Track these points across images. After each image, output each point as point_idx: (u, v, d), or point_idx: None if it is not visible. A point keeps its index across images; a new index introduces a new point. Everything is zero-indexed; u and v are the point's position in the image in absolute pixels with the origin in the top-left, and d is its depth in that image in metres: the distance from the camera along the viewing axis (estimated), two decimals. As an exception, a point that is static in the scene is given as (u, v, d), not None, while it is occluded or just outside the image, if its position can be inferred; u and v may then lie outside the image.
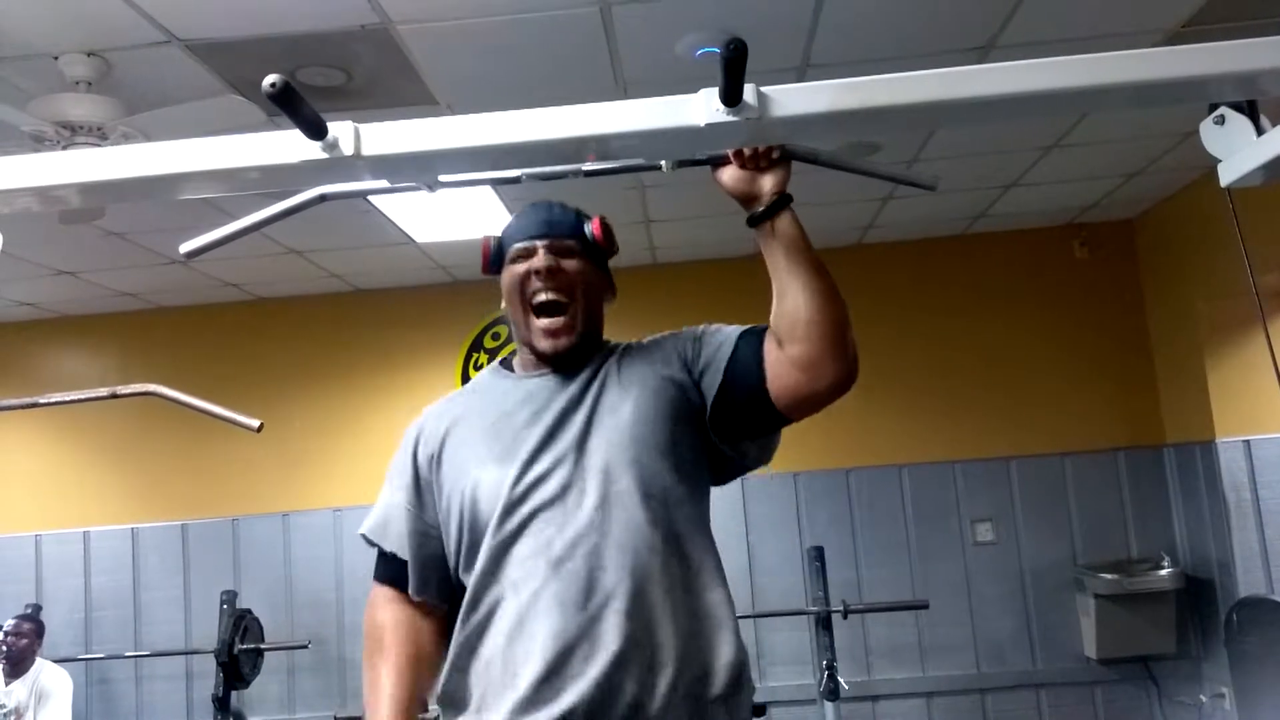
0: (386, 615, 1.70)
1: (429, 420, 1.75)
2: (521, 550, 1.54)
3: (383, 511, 1.74)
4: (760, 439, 1.70)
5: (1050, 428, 5.43)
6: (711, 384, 1.64)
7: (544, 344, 1.66)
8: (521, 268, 1.69)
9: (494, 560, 1.56)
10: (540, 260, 1.67)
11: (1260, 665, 4.35)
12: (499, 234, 1.78)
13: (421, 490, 1.70)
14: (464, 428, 1.69)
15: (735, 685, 1.55)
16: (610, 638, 1.47)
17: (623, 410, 1.61)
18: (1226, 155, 1.61)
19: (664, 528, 1.56)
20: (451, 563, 1.66)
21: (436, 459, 1.69)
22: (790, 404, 1.60)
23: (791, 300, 1.59)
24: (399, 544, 1.69)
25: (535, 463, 1.58)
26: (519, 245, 1.71)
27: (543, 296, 1.65)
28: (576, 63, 3.11)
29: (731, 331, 1.69)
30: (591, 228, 1.73)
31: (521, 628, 1.51)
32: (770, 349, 1.61)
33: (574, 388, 1.66)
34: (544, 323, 1.66)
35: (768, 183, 1.63)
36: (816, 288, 1.60)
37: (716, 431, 1.65)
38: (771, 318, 1.63)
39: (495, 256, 1.76)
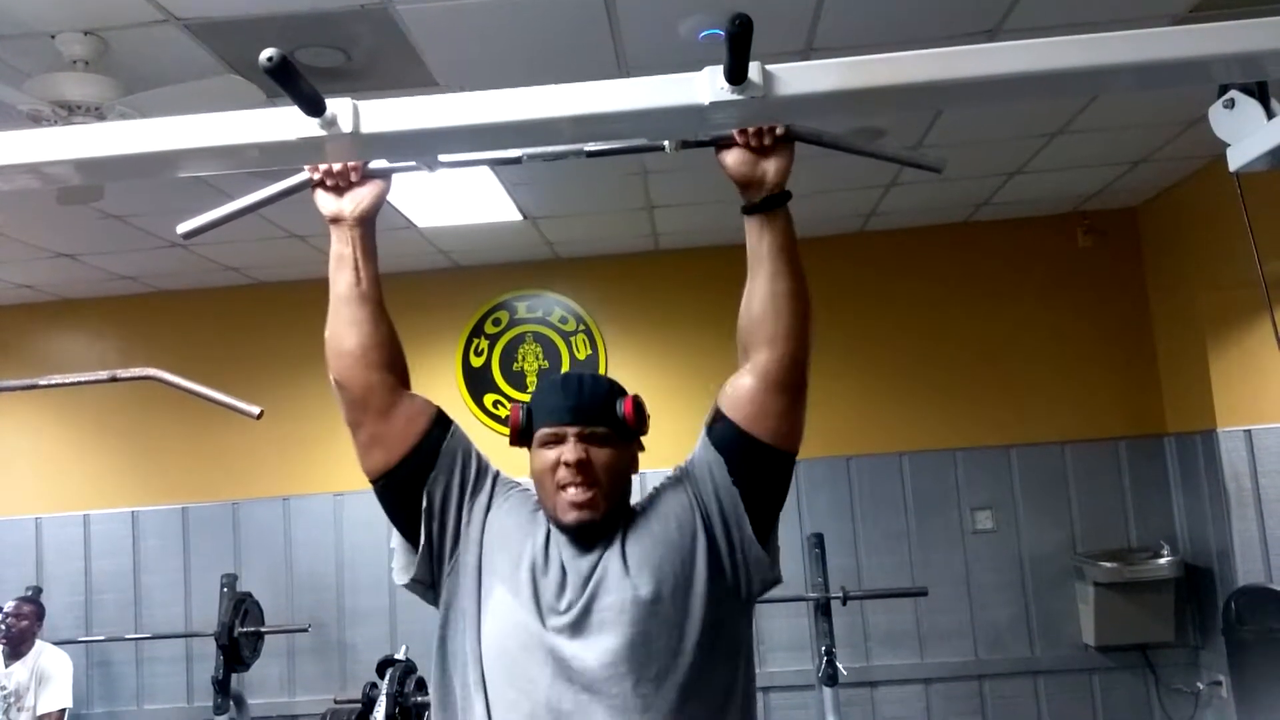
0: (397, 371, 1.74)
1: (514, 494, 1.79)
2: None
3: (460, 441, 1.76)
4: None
5: (1051, 416, 5.42)
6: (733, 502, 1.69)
7: (569, 516, 1.65)
8: (552, 455, 1.67)
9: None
10: (570, 452, 1.65)
11: (1258, 654, 4.36)
12: (528, 404, 1.76)
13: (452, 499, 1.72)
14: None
15: None
16: None
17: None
18: (1235, 140, 1.60)
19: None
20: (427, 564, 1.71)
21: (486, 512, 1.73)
22: (772, 423, 1.67)
23: (760, 299, 1.72)
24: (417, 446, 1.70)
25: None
26: (549, 430, 1.69)
27: (572, 491, 1.64)
28: (578, 45, 3.09)
29: (700, 453, 1.74)
30: (623, 408, 1.71)
31: None
32: (728, 403, 1.69)
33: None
34: (570, 495, 1.64)
35: (771, 170, 1.67)
36: (793, 290, 1.72)
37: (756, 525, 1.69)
38: (741, 309, 1.74)
39: (524, 428, 1.73)
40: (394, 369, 1.70)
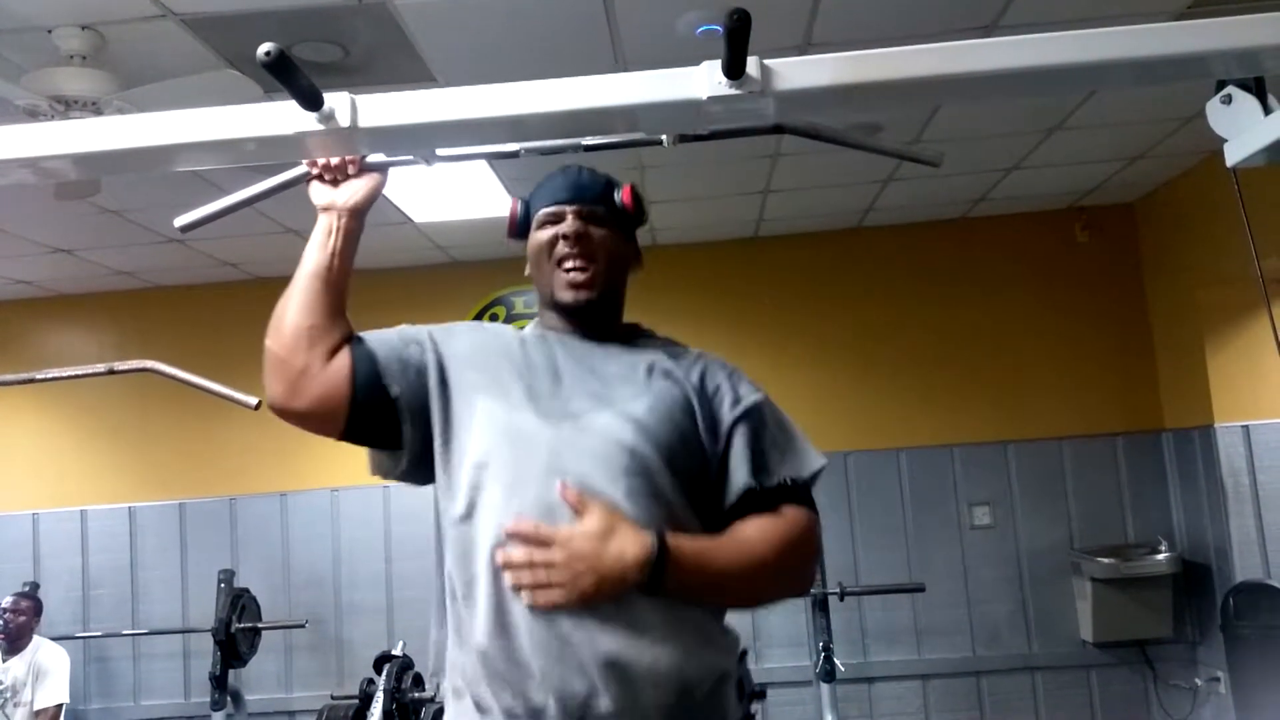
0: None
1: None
2: None
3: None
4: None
5: (1049, 412, 5.42)
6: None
7: (566, 295, 1.64)
8: (548, 232, 1.67)
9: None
10: (568, 225, 1.65)
11: (1255, 650, 4.37)
12: (525, 197, 1.75)
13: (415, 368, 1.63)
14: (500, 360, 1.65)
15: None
16: None
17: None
18: (1232, 135, 1.59)
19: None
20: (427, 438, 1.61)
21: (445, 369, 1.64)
22: None
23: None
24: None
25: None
26: (547, 210, 1.68)
27: (569, 263, 1.64)
28: (576, 40, 3.08)
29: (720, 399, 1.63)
30: (621, 195, 1.71)
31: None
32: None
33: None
34: (568, 273, 1.64)
35: (626, 550, 1.43)
36: (748, 598, 1.68)
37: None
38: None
39: (522, 220, 1.73)
40: (335, 352, 1.61)
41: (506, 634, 1.45)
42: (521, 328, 1.76)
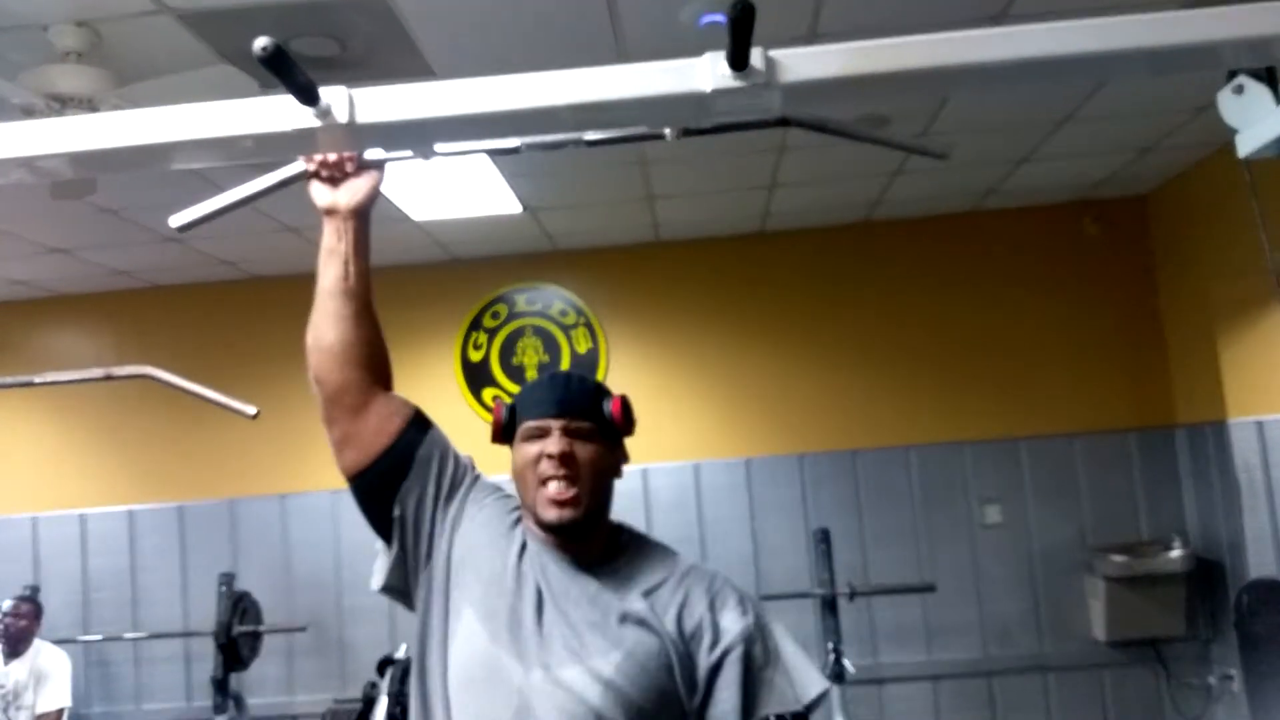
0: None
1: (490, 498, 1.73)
2: None
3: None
4: None
5: (1060, 408, 5.39)
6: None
7: (550, 514, 1.59)
8: (534, 448, 1.62)
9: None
10: (554, 444, 1.60)
11: (1269, 648, 4.33)
12: (511, 401, 1.71)
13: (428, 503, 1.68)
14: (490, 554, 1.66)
15: None
16: None
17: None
18: (1244, 126, 1.57)
19: None
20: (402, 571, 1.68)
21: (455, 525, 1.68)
22: None
23: None
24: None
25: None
26: (533, 424, 1.64)
27: (554, 487, 1.59)
28: (577, 33, 3.05)
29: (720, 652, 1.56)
30: (610, 408, 1.66)
31: None
32: None
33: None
34: (551, 491, 1.59)
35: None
36: None
37: None
38: None
39: (507, 425, 1.68)
40: (372, 368, 1.67)
41: None
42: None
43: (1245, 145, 1.60)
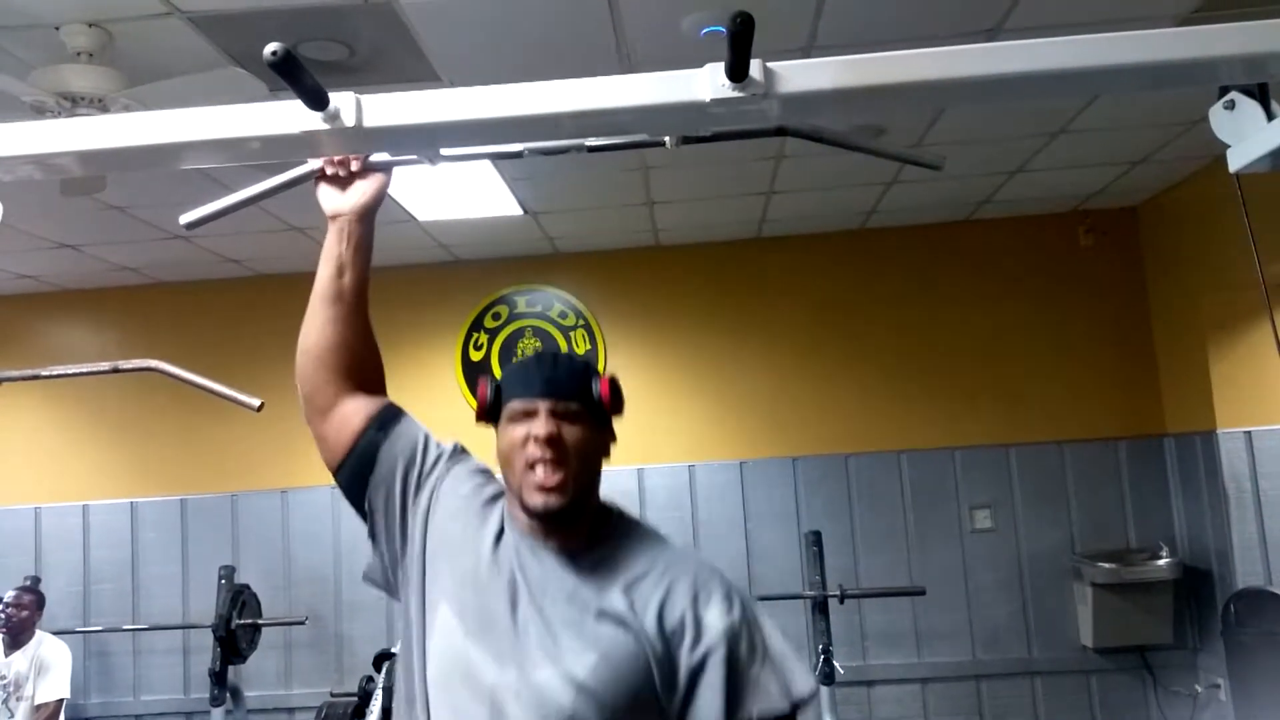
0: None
1: (466, 475, 1.69)
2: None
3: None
4: None
5: (1050, 415, 5.42)
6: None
7: (536, 500, 1.53)
8: (520, 430, 1.56)
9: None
10: (541, 426, 1.54)
11: (1256, 656, 4.36)
12: (497, 379, 1.65)
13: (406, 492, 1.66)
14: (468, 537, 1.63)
15: None
16: None
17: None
18: (1235, 141, 1.59)
19: None
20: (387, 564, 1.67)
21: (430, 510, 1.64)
22: None
23: None
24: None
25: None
26: (519, 404, 1.57)
27: (540, 470, 1.53)
28: (581, 40, 3.09)
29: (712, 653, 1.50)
30: (599, 388, 1.60)
31: None
32: None
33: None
34: (538, 476, 1.53)
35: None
36: None
37: None
38: None
39: (492, 404, 1.61)
40: (348, 373, 1.67)
41: None
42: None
43: (1236, 160, 1.63)
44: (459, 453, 1.71)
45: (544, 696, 1.44)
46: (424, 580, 1.59)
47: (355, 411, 1.66)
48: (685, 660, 1.48)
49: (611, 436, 1.66)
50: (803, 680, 1.52)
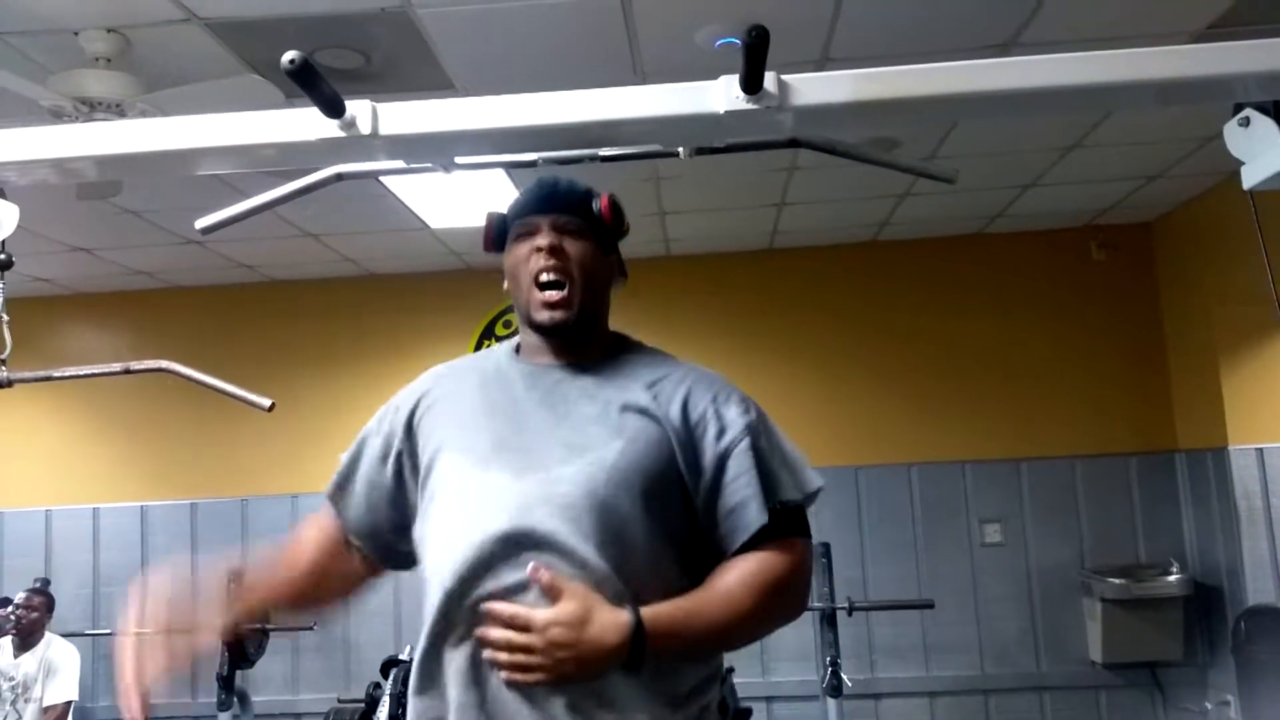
0: (312, 534, 1.73)
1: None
2: None
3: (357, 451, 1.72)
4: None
5: (1062, 430, 5.40)
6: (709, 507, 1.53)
7: (542, 315, 1.57)
8: (524, 246, 1.60)
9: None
10: (543, 239, 1.57)
11: (1267, 674, 4.33)
12: (503, 211, 1.69)
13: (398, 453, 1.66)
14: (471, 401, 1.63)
15: None
16: None
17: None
18: (1250, 158, 1.59)
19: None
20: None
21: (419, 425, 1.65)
22: None
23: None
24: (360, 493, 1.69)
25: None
26: (522, 221, 1.62)
27: (545, 277, 1.56)
28: (595, 50, 3.10)
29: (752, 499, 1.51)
30: (599, 205, 1.63)
31: None
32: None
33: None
34: (545, 294, 1.57)
35: (605, 635, 1.39)
36: (737, 645, 1.57)
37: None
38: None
39: (498, 233, 1.67)
40: (329, 590, 1.78)
41: (439, 689, 1.47)
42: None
43: (1251, 177, 1.63)
44: (391, 411, 1.71)
45: (573, 487, 1.44)
46: (426, 470, 1.59)
47: (328, 540, 1.72)
48: (710, 449, 1.51)
49: (619, 264, 1.69)
50: (812, 475, 1.59)
